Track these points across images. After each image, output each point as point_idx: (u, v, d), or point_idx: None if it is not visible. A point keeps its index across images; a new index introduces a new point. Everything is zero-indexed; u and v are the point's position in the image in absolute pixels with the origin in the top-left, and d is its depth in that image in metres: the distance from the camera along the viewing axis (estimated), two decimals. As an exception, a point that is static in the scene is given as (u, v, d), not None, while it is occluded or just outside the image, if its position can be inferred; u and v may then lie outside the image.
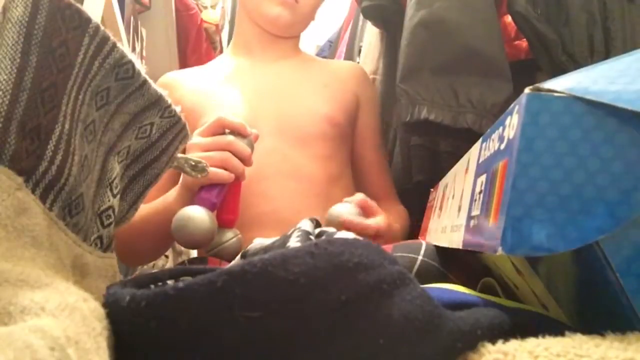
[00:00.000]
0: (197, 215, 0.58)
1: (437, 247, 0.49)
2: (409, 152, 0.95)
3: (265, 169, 0.77)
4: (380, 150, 0.95)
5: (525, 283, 0.39)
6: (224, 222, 0.66)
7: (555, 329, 0.26)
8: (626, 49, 0.76)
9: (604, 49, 0.77)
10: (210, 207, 0.62)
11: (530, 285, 0.38)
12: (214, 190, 0.63)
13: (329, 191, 0.81)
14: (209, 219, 0.59)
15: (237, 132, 0.66)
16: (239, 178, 0.66)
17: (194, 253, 1.63)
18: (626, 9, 0.76)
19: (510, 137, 0.27)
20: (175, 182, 0.76)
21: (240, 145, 0.65)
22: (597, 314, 0.30)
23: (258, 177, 0.76)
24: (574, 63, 0.76)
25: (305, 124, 0.83)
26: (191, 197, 0.65)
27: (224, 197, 0.66)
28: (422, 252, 0.46)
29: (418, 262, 0.45)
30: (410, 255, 0.45)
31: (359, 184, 0.93)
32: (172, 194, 0.71)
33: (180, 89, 0.87)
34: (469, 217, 0.33)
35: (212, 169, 0.62)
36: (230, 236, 0.65)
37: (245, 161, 0.66)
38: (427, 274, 0.35)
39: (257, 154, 0.73)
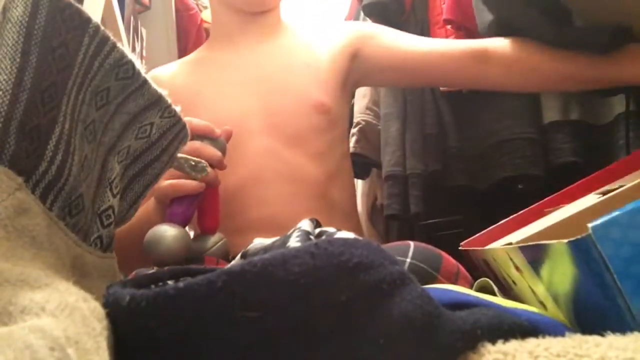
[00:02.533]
0: (166, 235, 0.56)
1: (432, 242, 0.50)
2: (424, 141, 0.96)
3: (260, 172, 0.75)
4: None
5: (523, 280, 0.39)
6: (205, 229, 0.64)
7: (555, 328, 0.26)
8: None
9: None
10: (182, 221, 0.59)
11: (529, 283, 0.38)
12: (184, 203, 0.60)
13: (327, 191, 0.79)
14: (179, 237, 0.56)
15: (204, 136, 0.62)
16: (211, 184, 0.62)
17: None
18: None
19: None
20: None
21: (208, 150, 0.61)
22: (594, 316, 0.30)
23: (253, 181, 0.73)
24: (584, 33, 0.73)
25: (295, 117, 0.79)
26: (164, 209, 0.63)
27: (202, 205, 0.63)
28: (410, 254, 0.46)
29: (407, 265, 0.45)
30: (398, 258, 0.45)
31: (439, 75, 0.84)
32: (152, 203, 0.67)
33: (168, 89, 0.84)
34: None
35: (178, 181, 0.59)
36: (214, 241, 0.63)
37: (217, 165, 0.62)
38: (415, 276, 0.34)
39: (250, 155, 0.70)
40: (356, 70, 0.87)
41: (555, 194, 0.60)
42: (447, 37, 0.94)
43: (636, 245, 0.26)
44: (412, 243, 0.48)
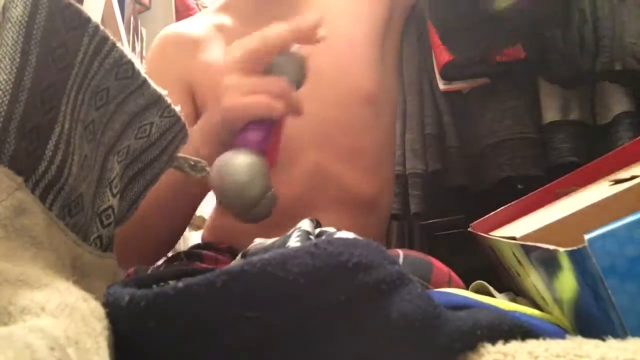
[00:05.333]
0: (254, 162, 0.43)
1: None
2: (424, 141, 0.96)
3: (310, 195, 0.64)
4: None
5: (525, 273, 0.39)
6: None
7: (554, 333, 0.26)
8: (614, 48, 0.77)
9: (594, 49, 0.77)
10: (260, 151, 0.46)
11: (530, 276, 0.38)
12: (263, 128, 0.47)
13: (378, 203, 0.71)
14: (264, 168, 0.44)
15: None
16: (293, 113, 0.50)
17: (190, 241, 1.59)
18: (616, 8, 0.77)
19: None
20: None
21: (272, 84, 0.48)
22: (591, 327, 0.30)
23: (301, 206, 0.63)
24: (565, 62, 0.76)
25: (351, 125, 0.66)
26: (223, 141, 0.50)
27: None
28: (400, 261, 0.46)
29: None
30: None
31: None
32: (195, 136, 0.52)
33: (191, 62, 0.70)
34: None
35: (255, 100, 0.47)
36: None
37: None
38: None
39: (298, 175, 0.59)
40: (398, 6, 0.73)
41: (569, 174, 0.59)
42: (447, 37, 0.94)
43: (632, 260, 0.26)
44: (401, 252, 0.48)
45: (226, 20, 0.76)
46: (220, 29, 0.75)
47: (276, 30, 0.48)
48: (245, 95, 0.47)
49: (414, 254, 0.48)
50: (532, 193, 0.60)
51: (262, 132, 0.47)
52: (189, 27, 0.76)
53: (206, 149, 0.51)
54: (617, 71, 0.77)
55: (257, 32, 0.48)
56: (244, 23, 0.74)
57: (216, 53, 0.73)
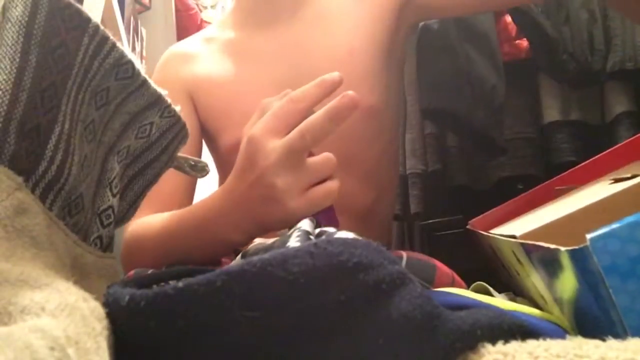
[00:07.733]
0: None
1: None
2: (424, 141, 0.96)
3: None
4: None
5: (525, 272, 0.39)
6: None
7: (554, 333, 0.26)
8: (625, 47, 0.77)
9: (604, 48, 0.77)
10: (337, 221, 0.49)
11: (530, 276, 0.38)
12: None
13: (373, 211, 0.69)
14: None
15: None
16: None
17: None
18: (625, 7, 0.77)
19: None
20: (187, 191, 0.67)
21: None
22: (591, 326, 0.30)
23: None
24: (574, 62, 0.77)
25: (345, 134, 0.60)
26: (272, 230, 0.50)
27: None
28: (403, 265, 0.46)
29: None
30: None
31: None
32: (225, 226, 0.50)
33: (193, 72, 0.74)
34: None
35: (323, 192, 0.47)
36: None
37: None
38: None
39: None
40: (405, 23, 0.72)
41: (569, 171, 0.59)
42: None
43: (634, 260, 0.26)
44: (404, 254, 0.47)
45: (223, 33, 0.79)
46: (213, 41, 0.79)
47: (316, 120, 0.45)
48: (306, 190, 0.46)
49: (417, 256, 0.48)
50: (531, 190, 0.60)
51: (331, 209, 0.48)
52: (187, 44, 0.81)
53: (243, 237, 0.50)
54: (628, 70, 0.77)
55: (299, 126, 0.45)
56: (243, 32, 0.76)
57: (210, 65, 0.76)
